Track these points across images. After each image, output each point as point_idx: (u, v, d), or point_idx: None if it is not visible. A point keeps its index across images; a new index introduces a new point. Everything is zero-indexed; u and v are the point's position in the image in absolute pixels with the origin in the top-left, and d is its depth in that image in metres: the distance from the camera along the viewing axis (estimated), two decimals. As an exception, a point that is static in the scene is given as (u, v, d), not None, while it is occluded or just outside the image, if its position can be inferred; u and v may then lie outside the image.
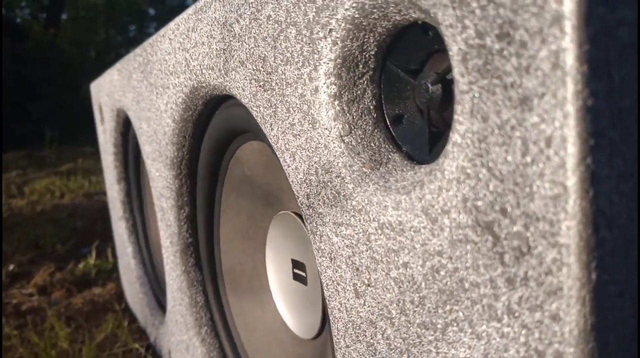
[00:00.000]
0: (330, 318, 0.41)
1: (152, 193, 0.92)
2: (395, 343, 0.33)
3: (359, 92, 0.35)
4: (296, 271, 0.67)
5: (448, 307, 0.28)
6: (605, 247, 0.21)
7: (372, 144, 0.34)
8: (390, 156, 0.34)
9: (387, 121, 0.35)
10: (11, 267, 1.74)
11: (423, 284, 0.29)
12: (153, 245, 1.29)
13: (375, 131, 0.35)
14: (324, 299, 0.61)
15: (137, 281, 1.31)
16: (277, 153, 0.44)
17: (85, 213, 2.37)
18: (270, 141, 0.45)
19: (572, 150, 0.20)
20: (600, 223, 0.21)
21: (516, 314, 0.24)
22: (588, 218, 0.21)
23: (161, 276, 1.24)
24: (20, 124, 5.12)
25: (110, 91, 1.17)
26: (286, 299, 0.70)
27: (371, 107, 0.35)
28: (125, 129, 1.22)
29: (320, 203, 0.38)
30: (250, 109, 0.48)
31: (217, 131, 0.69)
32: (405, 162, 0.33)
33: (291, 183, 0.43)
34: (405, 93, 0.34)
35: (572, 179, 0.20)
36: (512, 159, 0.23)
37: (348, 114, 0.35)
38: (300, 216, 0.64)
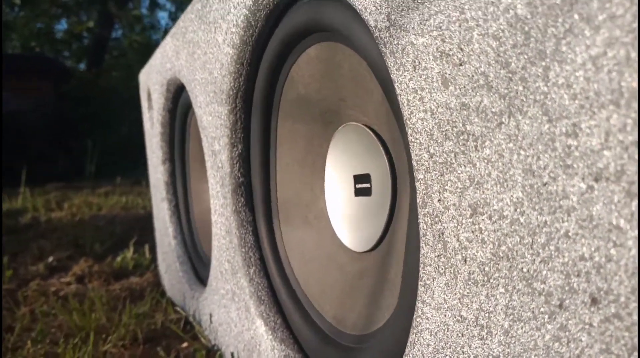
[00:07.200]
0: (410, 138, 0.40)
1: (203, 143, 0.93)
2: (494, 108, 0.32)
3: None
4: (359, 186, 0.66)
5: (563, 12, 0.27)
6: None
7: None
8: None
9: None
10: (50, 259, 1.75)
11: (529, 16, 0.29)
12: (195, 224, 1.29)
13: None
14: (392, 201, 0.59)
15: (177, 261, 1.30)
16: (356, 3, 0.44)
17: (123, 221, 2.40)
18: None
19: None
20: None
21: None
22: None
23: (203, 253, 1.23)
24: (61, 160, 5.31)
25: (161, 64, 1.20)
26: (347, 217, 0.69)
27: None
28: (174, 106, 1.24)
29: (403, 13, 0.38)
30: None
31: (274, 51, 0.70)
32: None
33: (373, 22, 0.42)
34: None
35: None
36: None
37: None
38: (364, 124, 0.63)
